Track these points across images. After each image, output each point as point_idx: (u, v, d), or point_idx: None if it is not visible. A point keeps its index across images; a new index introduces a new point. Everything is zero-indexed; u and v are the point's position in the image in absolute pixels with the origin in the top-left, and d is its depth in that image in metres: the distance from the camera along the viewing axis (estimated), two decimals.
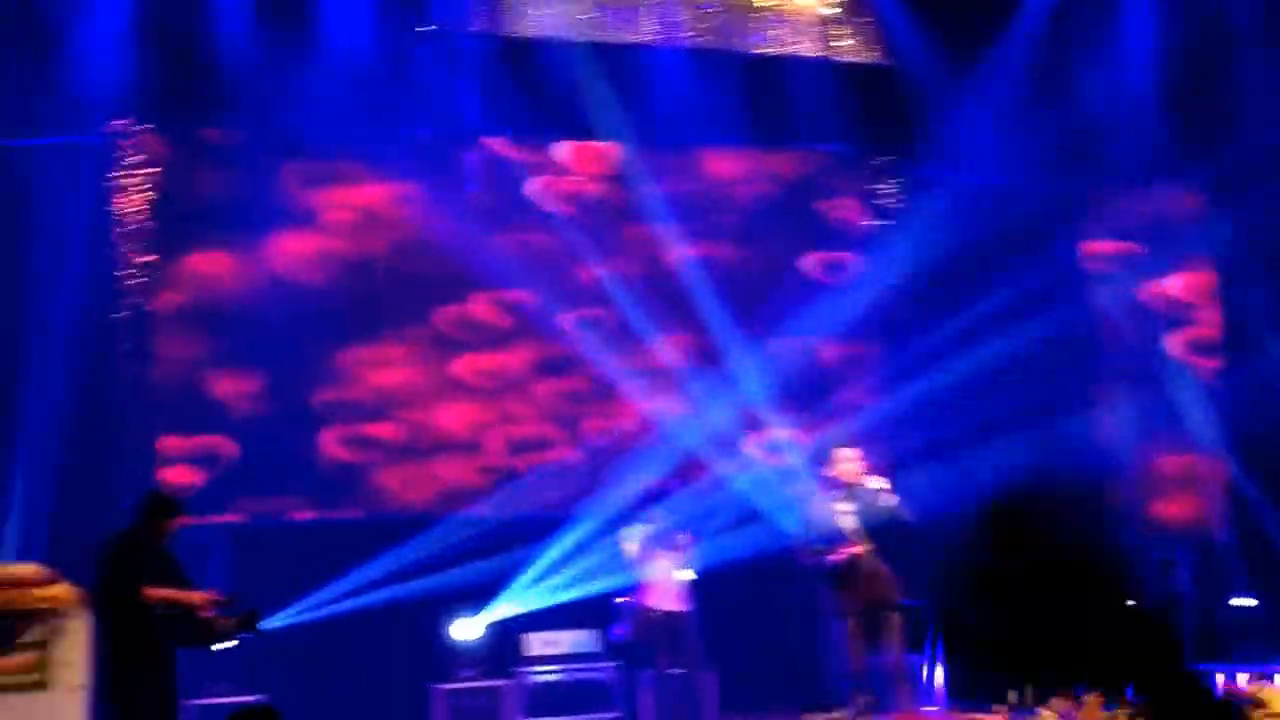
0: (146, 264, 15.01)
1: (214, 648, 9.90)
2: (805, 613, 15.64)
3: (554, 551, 15.45)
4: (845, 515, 12.09)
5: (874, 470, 12.41)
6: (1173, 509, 17.56)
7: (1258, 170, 16.36)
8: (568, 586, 15.34)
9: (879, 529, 12.05)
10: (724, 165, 17.25)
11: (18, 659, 9.52)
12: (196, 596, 9.57)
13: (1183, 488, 17.39)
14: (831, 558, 12.04)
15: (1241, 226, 16.68)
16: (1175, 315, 17.83)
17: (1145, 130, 16.66)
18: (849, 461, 12.28)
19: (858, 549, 11.99)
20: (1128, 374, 17.56)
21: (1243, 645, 15.88)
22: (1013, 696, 9.78)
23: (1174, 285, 17.85)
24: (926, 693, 15.34)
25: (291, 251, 15.70)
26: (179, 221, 15.21)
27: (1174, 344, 17.79)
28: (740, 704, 15.25)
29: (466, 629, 15.16)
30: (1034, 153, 16.66)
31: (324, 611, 14.47)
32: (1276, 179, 16.23)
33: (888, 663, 11.99)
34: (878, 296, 17.04)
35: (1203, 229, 17.41)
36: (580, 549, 15.45)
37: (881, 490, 12.08)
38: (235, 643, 9.86)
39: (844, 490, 12.17)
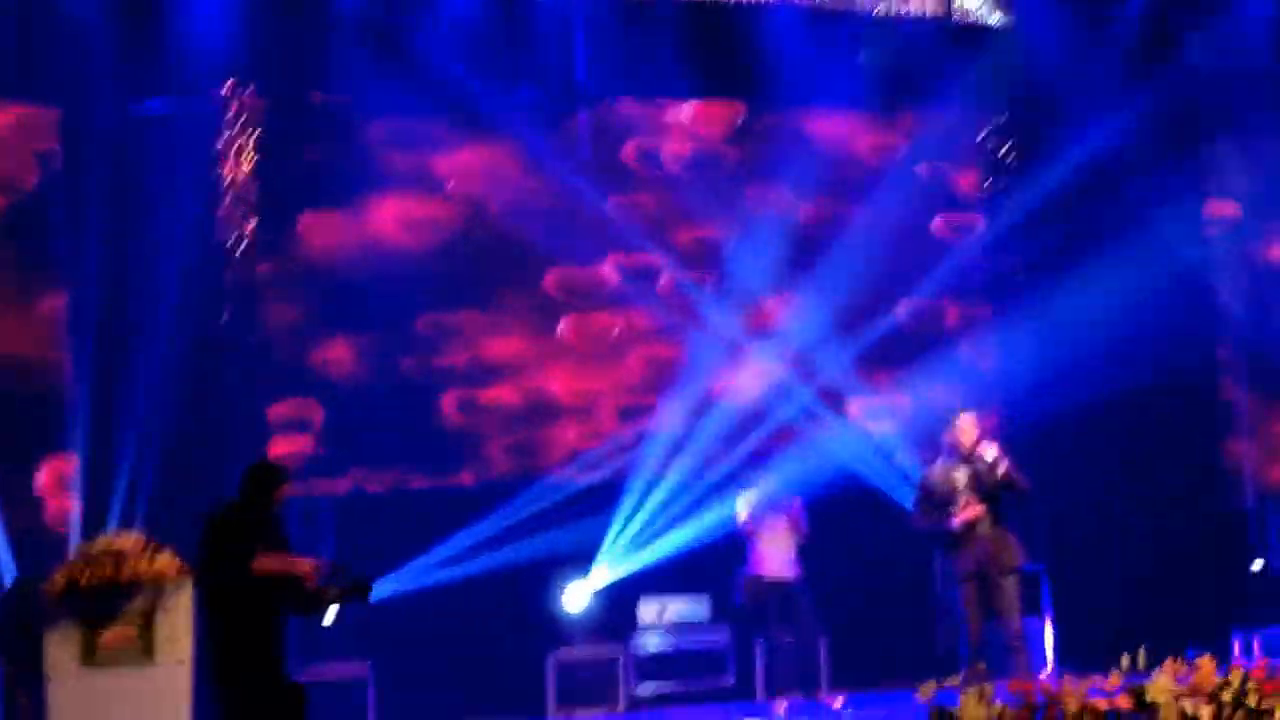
0: (253, 229, 14.93)
1: (322, 617, 9.80)
2: (918, 579, 15.47)
3: (662, 516, 15.33)
4: (962, 480, 11.92)
5: (990, 436, 12.22)
6: None
7: None
8: (677, 552, 15.23)
9: (995, 494, 11.87)
10: (840, 126, 16.94)
11: (121, 632, 9.46)
12: (304, 565, 9.45)
13: None
14: (949, 523, 11.87)
15: None
16: None
17: (1259, 88, 16.32)
18: (967, 427, 12.11)
19: (975, 514, 11.82)
20: (1246, 335, 17.25)
21: None
22: (1126, 661, 9.50)
23: None
24: (1040, 657, 15.14)
25: (398, 215, 15.59)
26: (285, 186, 15.13)
27: None
28: (853, 670, 15.07)
29: (579, 596, 15.06)
30: (1150, 111, 16.34)
31: (434, 579, 14.39)
32: None
33: (1005, 628, 11.82)
34: (993, 257, 16.84)
35: None
36: (687, 514, 15.32)
37: (997, 456, 11.89)
38: (339, 612, 9.74)
39: (961, 455, 11.99)
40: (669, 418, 15.86)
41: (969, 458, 12.00)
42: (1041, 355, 16.18)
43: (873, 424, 16.33)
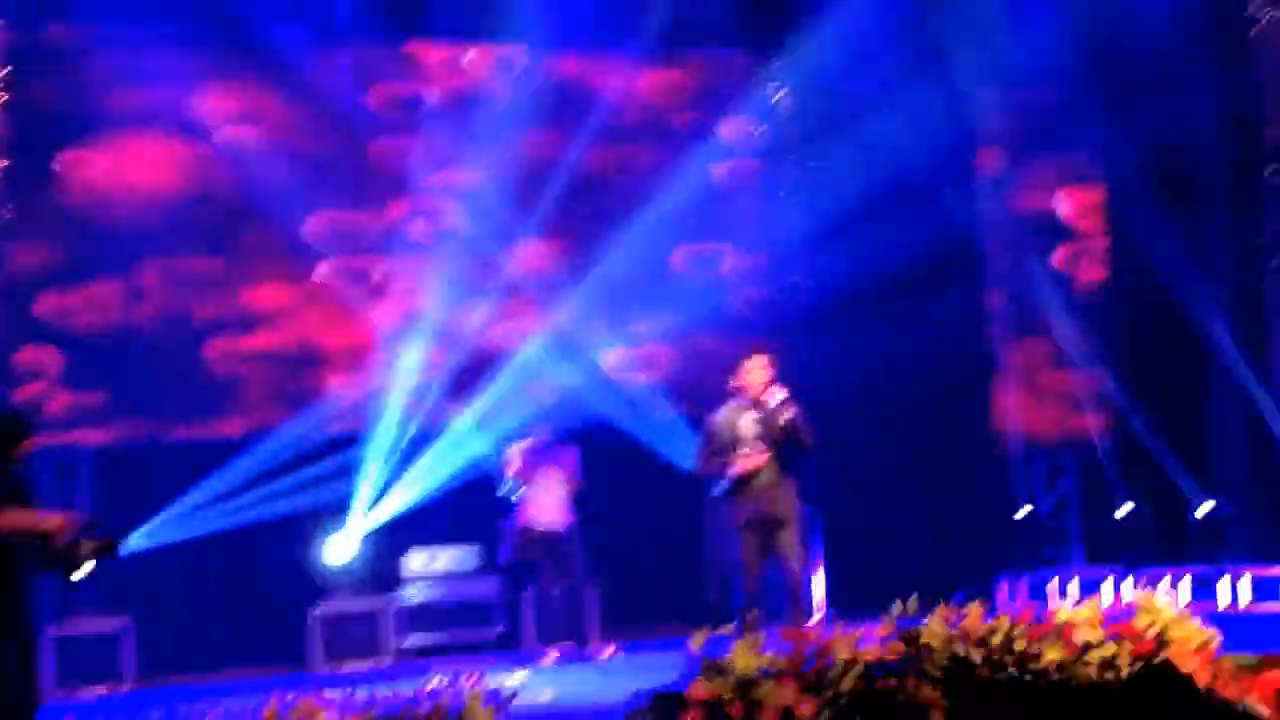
0: (1, 169, 14.40)
1: (72, 575, 9.46)
2: (688, 527, 15.46)
3: (429, 466, 15.13)
4: (749, 426, 11.69)
5: (777, 382, 11.99)
6: (1054, 420, 17.45)
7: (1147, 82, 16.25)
8: (443, 501, 15.05)
9: (780, 442, 11.68)
10: (609, 69, 16.72)
11: None
12: (53, 521, 9.11)
13: (1063, 399, 17.30)
14: (732, 469, 11.63)
15: (1133, 139, 16.52)
16: (1060, 229, 17.66)
17: (1036, 37, 16.43)
18: (756, 371, 11.84)
19: (760, 462, 11.62)
20: (1009, 284, 17.42)
21: (1128, 551, 15.91)
22: (897, 606, 9.51)
23: (1061, 199, 17.65)
24: (809, 606, 15.20)
25: (154, 155, 15.11)
26: (34, 124, 14.60)
27: (1057, 258, 17.67)
28: (623, 619, 15.03)
29: (343, 548, 14.80)
30: (926, 55, 16.43)
31: (197, 530, 14.05)
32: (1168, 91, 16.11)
33: (786, 577, 11.66)
34: (767, 207, 16.84)
35: (1095, 139, 17.25)
36: (453, 463, 15.13)
37: (784, 402, 11.69)
38: (94, 567, 9.41)
39: (749, 400, 11.76)
40: (432, 365, 15.61)
41: (757, 403, 11.78)
42: (814, 304, 16.28)
43: (639, 372, 16.23)
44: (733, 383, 11.95)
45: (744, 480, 11.62)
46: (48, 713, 8.94)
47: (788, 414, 11.61)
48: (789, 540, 11.66)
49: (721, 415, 11.85)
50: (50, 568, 9.12)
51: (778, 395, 11.71)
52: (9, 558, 8.86)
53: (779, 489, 11.66)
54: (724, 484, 11.71)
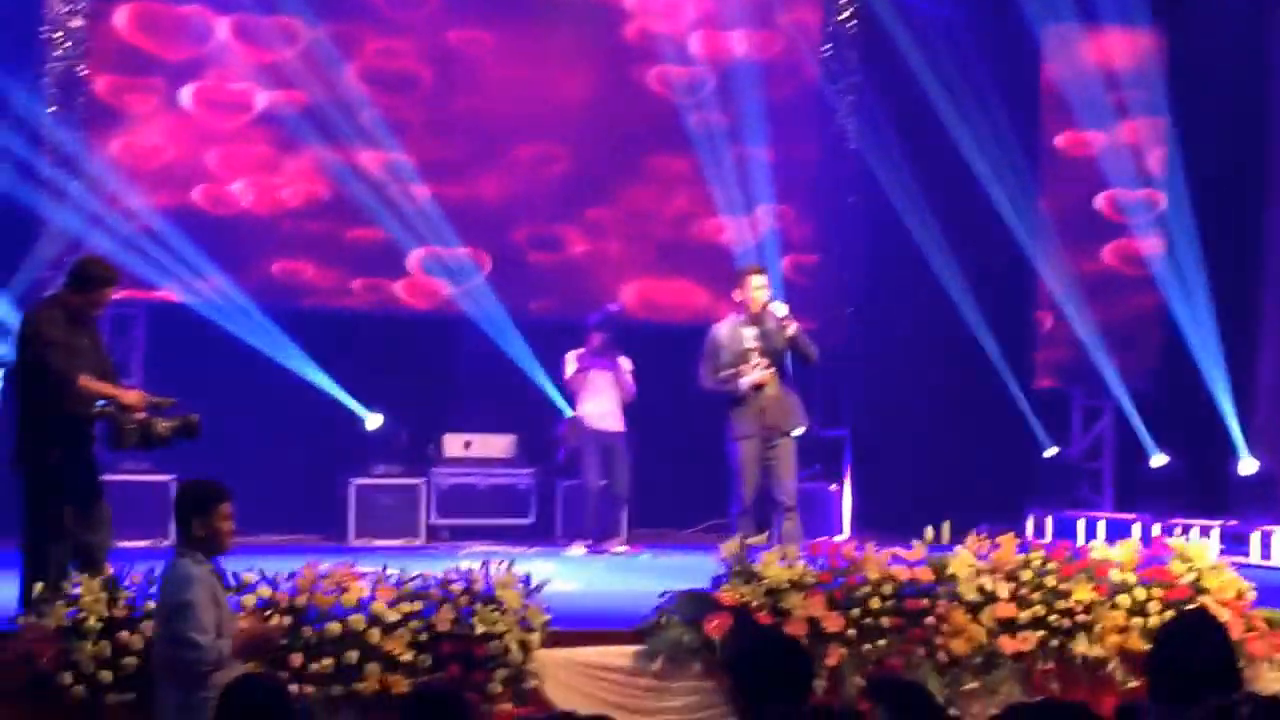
0: None
1: (149, 448, 9.42)
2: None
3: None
4: (750, 339, 11.77)
5: (778, 297, 12.10)
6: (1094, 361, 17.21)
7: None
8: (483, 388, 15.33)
9: (782, 354, 11.78)
10: None
11: None
12: (131, 395, 9.13)
13: (1120, 338, 17.05)
14: (735, 382, 11.73)
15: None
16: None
17: None
18: (758, 285, 11.91)
19: (763, 377, 11.70)
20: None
21: (1158, 501, 15.81)
22: (930, 533, 9.64)
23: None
24: (835, 521, 15.34)
25: None
26: None
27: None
28: (651, 521, 15.17)
29: (384, 424, 14.96)
30: None
31: (239, 394, 14.10)
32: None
33: (780, 490, 11.74)
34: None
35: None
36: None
37: (785, 316, 11.77)
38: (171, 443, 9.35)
39: (750, 314, 11.84)
40: None
41: (758, 317, 11.85)
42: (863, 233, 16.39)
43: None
44: (734, 295, 12.03)
45: (747, 392, 11.71)
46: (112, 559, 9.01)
47: (791, 329, 11.69)
48: (785, 454, 11.78)
49: (723, 330, 11.92)
50: (124, 442, 9.13)
51: (780, 310, 11.77)
52: (79, 424, 8.96)
53: (782, 403, 11.77)
54: (729, 396, 11.80)
